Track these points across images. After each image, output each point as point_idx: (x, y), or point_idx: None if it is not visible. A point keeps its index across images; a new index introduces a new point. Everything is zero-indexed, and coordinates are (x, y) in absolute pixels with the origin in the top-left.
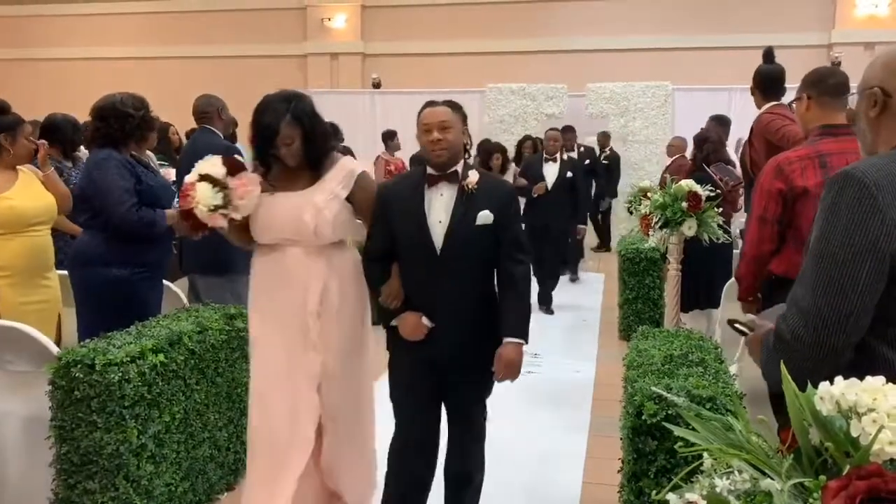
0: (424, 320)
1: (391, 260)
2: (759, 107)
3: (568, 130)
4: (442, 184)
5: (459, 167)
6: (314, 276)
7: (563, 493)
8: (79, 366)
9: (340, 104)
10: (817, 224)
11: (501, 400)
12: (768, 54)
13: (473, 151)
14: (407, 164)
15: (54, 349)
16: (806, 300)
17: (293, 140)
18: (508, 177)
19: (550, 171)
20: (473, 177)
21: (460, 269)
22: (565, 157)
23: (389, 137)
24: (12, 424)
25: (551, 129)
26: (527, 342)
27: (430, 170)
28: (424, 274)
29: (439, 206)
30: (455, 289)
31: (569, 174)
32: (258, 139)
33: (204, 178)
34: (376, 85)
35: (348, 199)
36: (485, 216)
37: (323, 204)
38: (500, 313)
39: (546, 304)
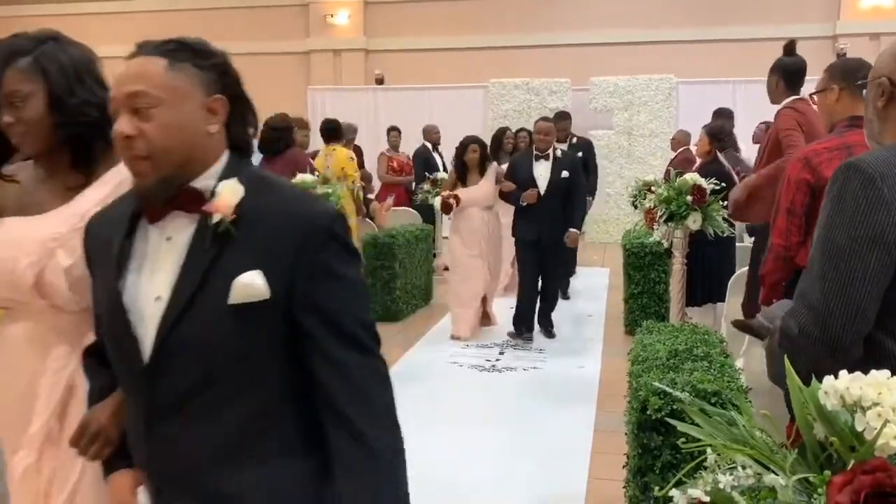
0: (141, 496)
1: None
2: (776, 98)
3: (562, 118)
4: (171, 218)
5: (205, 181)
6: (45, 374)
7: (568, 488)
8: None
9: (344, 101)
10: (823, 216)
11: (506, 396)
12: (790, 48)
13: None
14: (411, 161)
15: None
16: (814, 294)
17: (25, 100)
18: (489, 177)
19: (542, 172)
20: (229, 196)
21: (193, 404)
22: (558, 153)
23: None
24: None
25: (541, 120)
26: None
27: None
28: (132, 402)
29: (162, 266)
30: (185, 442)
31: (564, 174)
32: None
33: None
34: (379, 81)
35: None
36: (248, 285)
37: (59, 240)
38: None
39: (547, 327)
